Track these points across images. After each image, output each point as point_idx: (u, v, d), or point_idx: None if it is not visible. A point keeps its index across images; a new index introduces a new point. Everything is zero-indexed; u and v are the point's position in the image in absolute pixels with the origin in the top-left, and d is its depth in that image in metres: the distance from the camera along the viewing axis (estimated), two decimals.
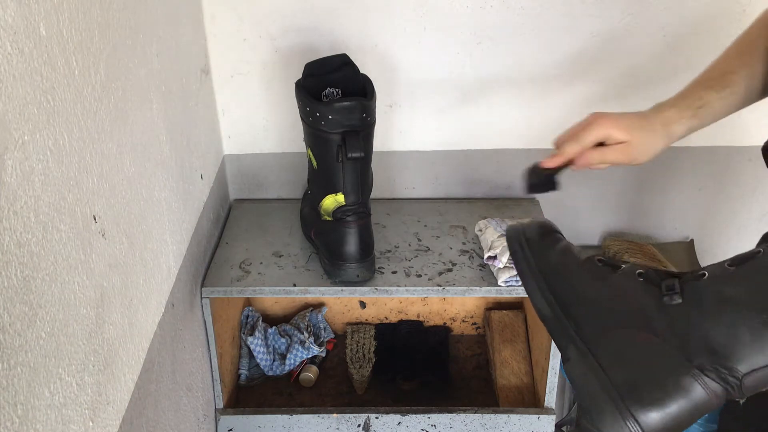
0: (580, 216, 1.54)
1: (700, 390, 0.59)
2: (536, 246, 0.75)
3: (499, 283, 1.21)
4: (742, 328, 0.57)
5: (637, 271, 0.66)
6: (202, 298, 1.23)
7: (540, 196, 1.50)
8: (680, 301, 0.61)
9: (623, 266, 0.68)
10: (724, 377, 0.58)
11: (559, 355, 1.26)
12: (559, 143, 0.89)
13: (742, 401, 0.62)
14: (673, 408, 0.59)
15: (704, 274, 0.62)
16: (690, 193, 1.51)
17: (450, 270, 1.27)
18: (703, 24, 1.30)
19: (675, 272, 0.65)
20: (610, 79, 1.37)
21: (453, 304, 1.61)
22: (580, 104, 1.39)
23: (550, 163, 0.88)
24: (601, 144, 0.87)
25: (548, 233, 0.77)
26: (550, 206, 1.49)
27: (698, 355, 0.59)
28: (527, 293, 0.73)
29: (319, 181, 1.20)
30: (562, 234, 0.79)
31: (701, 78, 0.89)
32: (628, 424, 0.60)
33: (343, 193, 1.17)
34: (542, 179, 0.89)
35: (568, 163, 0.88)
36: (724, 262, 0.62)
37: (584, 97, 1.39)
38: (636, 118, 0.86)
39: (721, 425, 1.04)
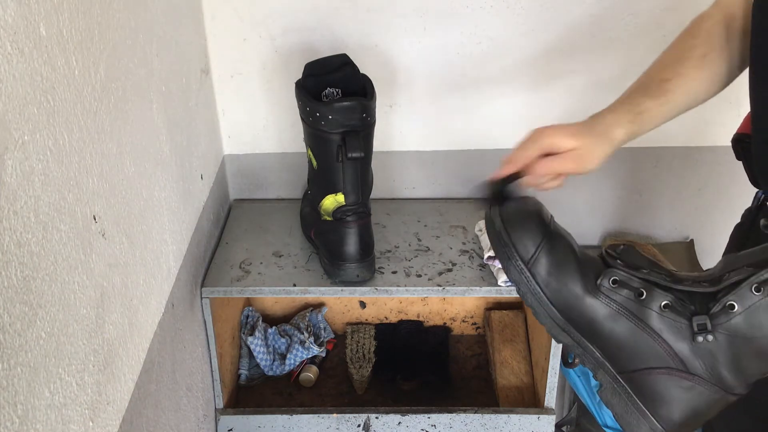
0: (580, 216, 1.54)
1: (728, 402, 0.64)
2: (538, 264, 0.72)
3: (499, 283, 1.21)
4: (764, 351, 0.62)
5: (663, 303, 0.66)
6: (202, 298, 1.23)
7: (540, 198, 1.50)
8: (713, 339, 0.64)
9: (644, 294, 0.67)
10: (748, 384, 0.64)
11: (560, 355, 1.27)
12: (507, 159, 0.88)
13: None
14: (703, 419, 0.65)
15: (733, 306, 0.63)
16: (690, 193, 1.51)
17: (450, 270, 1.27)
18: None
19: (701, 293, 0.65)
20: (610, 80, 1.37)
21: (453, 304, 1.61)
22: (579, 104, 1.39)
23: (499, 174, 0.87)
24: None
25: (538, 232, 0.74)
26: (550, 206, 1.48)
27: (735, 387, 0.63)
28: (540, 323, 0.71)
29: (319, 181, 1.20)
30: (550, 218, 0.77)
31: (639, 84, 0.90)
32: None
33: (343, 193, 1.17)
34: (493, 192, 0.87)
35: (517, 176, 0.87)
36: (750, 284, 0.62)
37: (584, 97, 1.39)
38: (578, 125, 0.86)
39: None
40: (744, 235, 0.95)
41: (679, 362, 0.65)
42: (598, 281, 0.69)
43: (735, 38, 0.88)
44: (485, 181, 0.88)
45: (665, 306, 0.66)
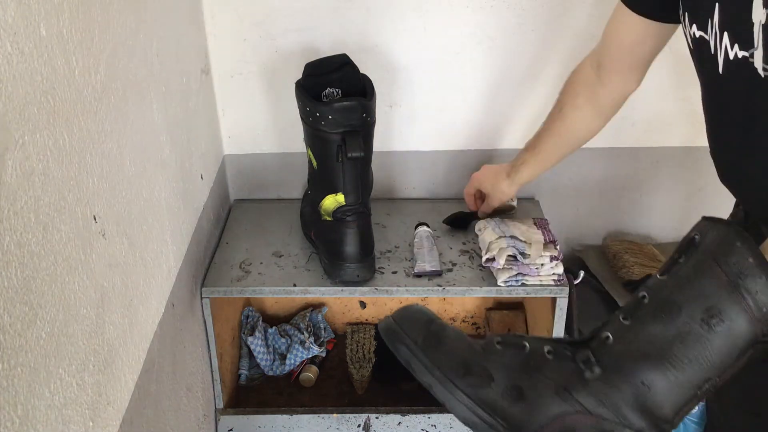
0: (581, 216, 1.54)
1: None
2: (430, 348, 0.70)
3: (498, 283, 1.21)
4: (657, 378, 0.59)
5: (546, 349, 0.64)
6: (202, 298, 1.23)
7: (540, 197, 1.50)
8: (600, 371, 0.61)
9: (526, 344, 0.65)
10: (659, 426, 0.60)
11: None
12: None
13: None
14: None
15: (608, 337, 0.62)
16: (690, 193, 1.51)
17: (450, 270, 1.27)
18: None
19: (579, 339, 0.64)
20: None
21: (453, 304, 1.61)
22: None
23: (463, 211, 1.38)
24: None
25: (428, 322, 0.71)
26: (551, 207, 1.48)
27: (634, 419, 0.59)
28: (445, 404, 0.66)
29: (319, 181, 1.20)
30: (437, 317, 0.72)
31: (527, 141, 1.21)
32: None
33: (343, 193, 1.17)
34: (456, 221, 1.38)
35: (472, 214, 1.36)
36: (619, 313, 0.62)
37: None
38: (493, 173, 1.28)
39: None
40: None
41: (573, 402, 0.61)
42: (483, 344, 0.67)
43: (612, 73, 1.02)
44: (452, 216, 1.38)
45: (548, 352, 0.64)
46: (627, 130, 1.43)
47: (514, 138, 1.43)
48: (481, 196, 1.33)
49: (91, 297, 0.76)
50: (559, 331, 1.24)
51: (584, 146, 1.50)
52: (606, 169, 1.49)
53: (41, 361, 0.64)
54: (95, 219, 0.77)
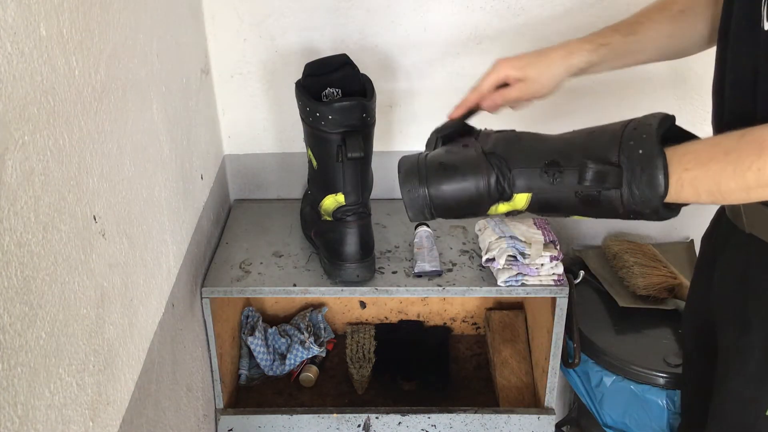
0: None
1: (481, 178, 0.78)
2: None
3: (498, 283, 1.21)
4: (517, 146, 0.81)
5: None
6: (202, 298, 1.23)
7: None
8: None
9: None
10: (502, 170, 0.78)
11: (560, 355, 1.27)
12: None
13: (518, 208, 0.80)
14: (456, 186, 0.79)
15: (514, 130, 0.86)
16: None
17: (450, 270, 1.27)
18: None
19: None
20: (610, 80, 1.37)
21: (453, 304, 1.61)
22: (579, 104, 1.39)
23: (455, 114, 0.96)
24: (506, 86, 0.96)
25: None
26: None
27: (491, 153, 0.81)
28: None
29: (319, 181, 1.20)
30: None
31: (614, 24, 0.95)
32: (421, 189, 0.80)
33: (343, 193, 1.17)
34: (454, 129, 0.95)
35: (475, 110, 0.97)
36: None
37: (584, 97, 1.39)
38: (534, 55, 0.94)
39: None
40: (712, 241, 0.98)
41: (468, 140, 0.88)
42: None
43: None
44: (446, 123, 0.95)
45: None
46: None
47: None
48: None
49: (91, 297, 0.76)
50: (559, 331, 1.24)
51: None
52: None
53: (41, 361, 0.64)
54: (95, 219, 0.77)
